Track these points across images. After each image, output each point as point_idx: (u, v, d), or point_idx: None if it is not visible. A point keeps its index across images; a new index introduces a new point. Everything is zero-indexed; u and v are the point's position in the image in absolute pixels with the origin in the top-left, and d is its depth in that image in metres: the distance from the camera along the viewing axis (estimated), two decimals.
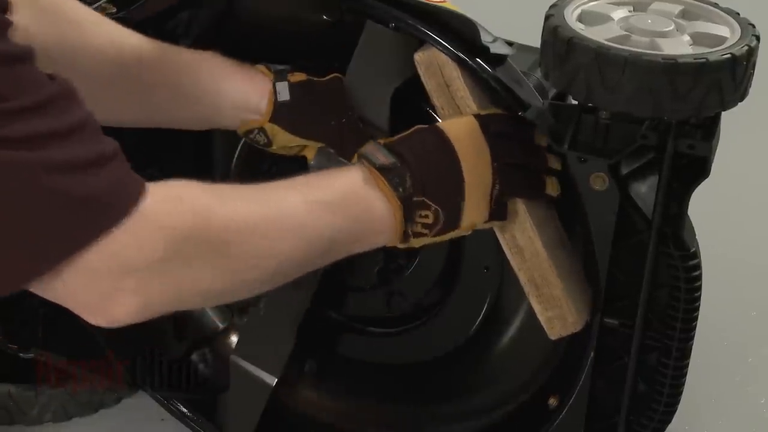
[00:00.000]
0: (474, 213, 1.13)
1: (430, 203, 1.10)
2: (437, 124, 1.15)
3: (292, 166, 1.43)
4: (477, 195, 1.13)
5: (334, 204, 1.06)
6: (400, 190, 1.08)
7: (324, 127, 1.28)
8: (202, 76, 1.26)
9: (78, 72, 1.19)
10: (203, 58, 1.26)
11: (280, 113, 1.27)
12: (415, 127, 1.14)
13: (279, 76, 1.27)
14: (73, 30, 1.19)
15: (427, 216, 1.10)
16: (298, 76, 1.27)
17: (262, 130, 1.28)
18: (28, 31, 1.14)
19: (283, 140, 1.29)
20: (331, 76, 1.28)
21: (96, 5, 1.28)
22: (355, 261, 1.49)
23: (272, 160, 1.43)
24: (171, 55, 1.25)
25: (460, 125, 1.14)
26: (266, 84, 1.27)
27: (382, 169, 1.09)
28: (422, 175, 1.09)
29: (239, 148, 1.51)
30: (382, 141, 1.13)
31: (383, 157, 1.09)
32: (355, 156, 1.13)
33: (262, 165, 1.48)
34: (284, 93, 1.26)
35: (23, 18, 1.14)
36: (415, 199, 1.09)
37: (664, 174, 1.14)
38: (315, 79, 1.28)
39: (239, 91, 1.26)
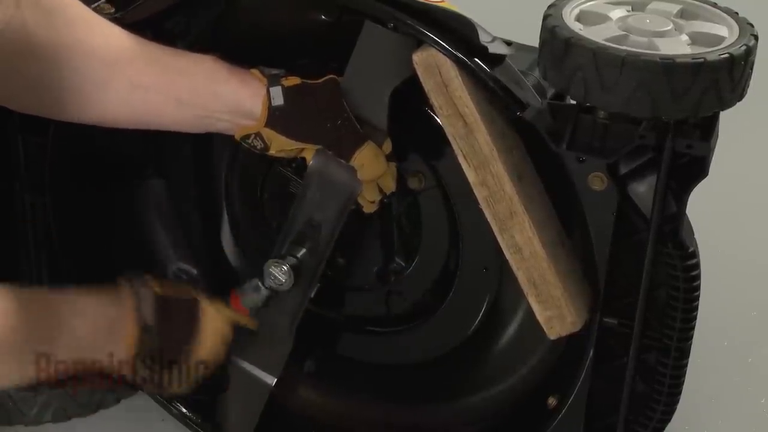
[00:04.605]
0: None
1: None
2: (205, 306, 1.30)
3: (290, 164, 1.45)
4: None
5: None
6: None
7: (320, 129, 1.28)
8: (197, 80, 1.25)
9: (72, 72, 1.20)
10: (198, 62, 1.26)
11: (275, 117, 1.27)
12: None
13: (272, 81, 1.27)
14: (70, 30, 1.19)
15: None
16: (292, 80, 1.27)
17: (258, 135, 1.28)
18: (29, 29, 1.15)
19: (280, 144, 1.29)
20: (327, 77, 1.28)
21: (95, 5, 1.28)
22: (354, 261, 1.50)
23: (270, 160, 1.43)
24: (166, 58, 1.25)
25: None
26: (260, 89, 1.26)
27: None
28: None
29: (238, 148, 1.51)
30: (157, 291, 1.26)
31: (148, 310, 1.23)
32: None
33: (261, 165, 1.49)
34: (278, 97, 1.26)
35: (26, 16, 1.14)
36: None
37: (662, 173, 1.14)
38: (309, 81, 1.28)
39: (233, 96, 1.26)
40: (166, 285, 1.28)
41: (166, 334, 1.25)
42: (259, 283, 1.35)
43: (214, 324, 1.29)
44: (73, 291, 1.21)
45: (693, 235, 1.22)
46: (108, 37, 1.22)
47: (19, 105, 1.25)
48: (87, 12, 1.23)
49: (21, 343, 1.11)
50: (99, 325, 1.20)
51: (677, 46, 1.11)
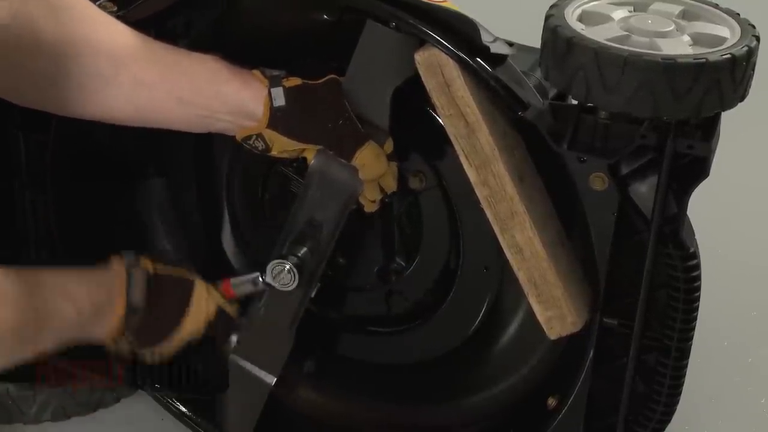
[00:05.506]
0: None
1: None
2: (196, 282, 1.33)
3: (291, 164, 1.44)
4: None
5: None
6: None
7: (322, 129, 1.28)
8: (199, 80, 1.25)
9: (77, 67, 1.20)
10: (201, 61, 1.26)
11: (276, 118, 1.27)
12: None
13: (274, 82, 1.27)
14: (76, 26, 1.19)
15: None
16: (293, 81, 1.27)
17: (260, 136, 1.28)
18: (35, 24, 1.15)
19: (282, 145, 1.29)
20: (328, 77, 1.28)
21: (97, 3, 1.28)
22: (355, 261, 1.50)
23: (271, 160, 1.43)
24: (169, 57, 1.25)
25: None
26: (262, 90, 1.26)
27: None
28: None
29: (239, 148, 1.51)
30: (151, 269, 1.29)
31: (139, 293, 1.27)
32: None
33: (262, 165, 1.49)
34: (279, 98, 1.26)
35: (32, 11, 1.15)
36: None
37: (663, 174, 1.14)
38: (310, 82, 1.28)
39: (236, 97, 1.26)
40: (161, 263, 1.31)
41: (155, 314, 1.28)
42: (259, 277, 1.36)
43: (202, 305, 1.32)
44: (63, 272, 1.22)
45: (694, 235, 1.22)
46: (113, 34, 1.23)
47: (24, 99, 1.25)
48: (93, 8, 1.23)
49: (7, 331, 1.12)
50: (86, 309, 1.22)
51: (679, 47, 1.11)
